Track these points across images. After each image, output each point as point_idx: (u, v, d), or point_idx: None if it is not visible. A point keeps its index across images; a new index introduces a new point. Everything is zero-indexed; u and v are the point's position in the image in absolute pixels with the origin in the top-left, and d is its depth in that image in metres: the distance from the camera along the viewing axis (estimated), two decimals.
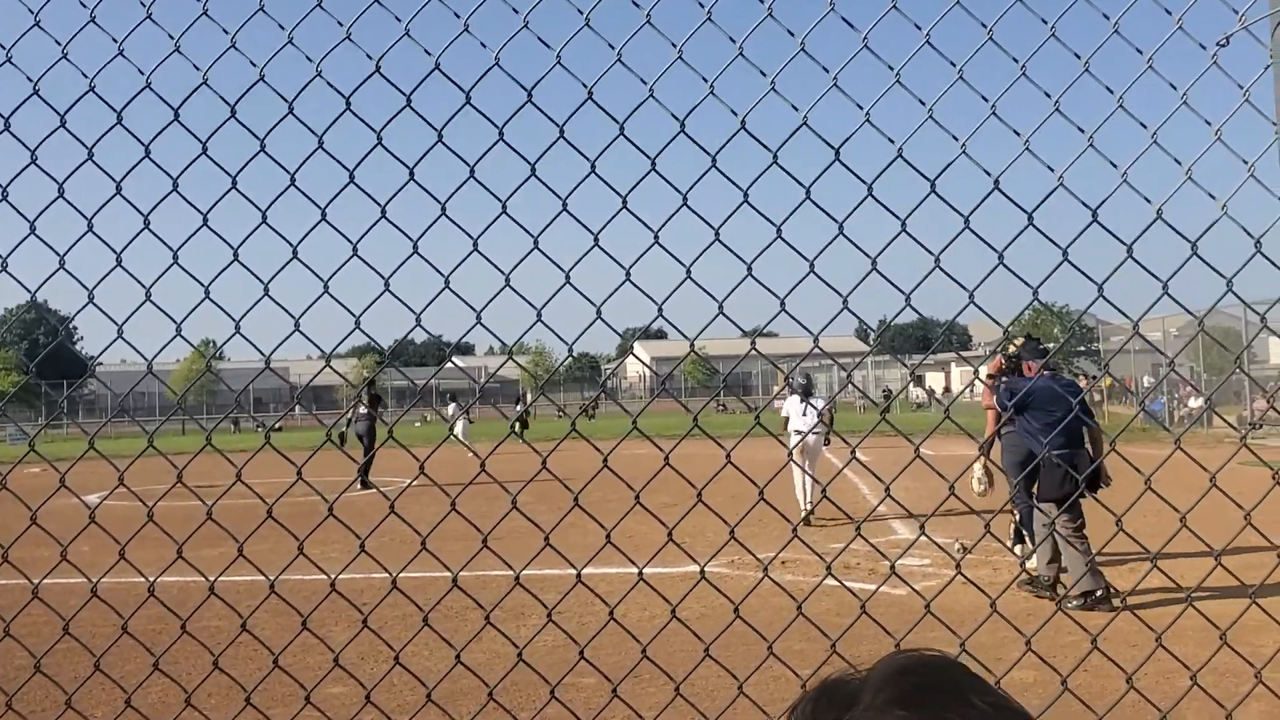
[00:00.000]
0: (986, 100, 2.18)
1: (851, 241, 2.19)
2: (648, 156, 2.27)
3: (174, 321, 2.30)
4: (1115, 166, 2.14)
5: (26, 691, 5.02)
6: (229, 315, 2.25)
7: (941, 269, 2.16)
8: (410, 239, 2.26)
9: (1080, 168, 2.21)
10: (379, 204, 2.25)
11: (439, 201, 2.26)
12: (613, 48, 2.25)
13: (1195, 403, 33.15)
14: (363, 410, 18.95)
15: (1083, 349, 42.75)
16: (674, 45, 2.23)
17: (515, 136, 2.31)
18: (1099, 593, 8.35)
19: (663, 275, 2.48)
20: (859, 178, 2.20)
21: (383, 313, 2.48)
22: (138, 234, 2.33)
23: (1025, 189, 2.25)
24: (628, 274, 2.29)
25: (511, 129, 2.31)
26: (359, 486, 16.80)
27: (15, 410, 60.50)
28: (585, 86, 2.25)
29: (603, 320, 2.32)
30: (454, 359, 2.64)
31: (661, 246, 2.26)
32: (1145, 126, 2.15)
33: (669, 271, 2.47)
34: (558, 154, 2.40)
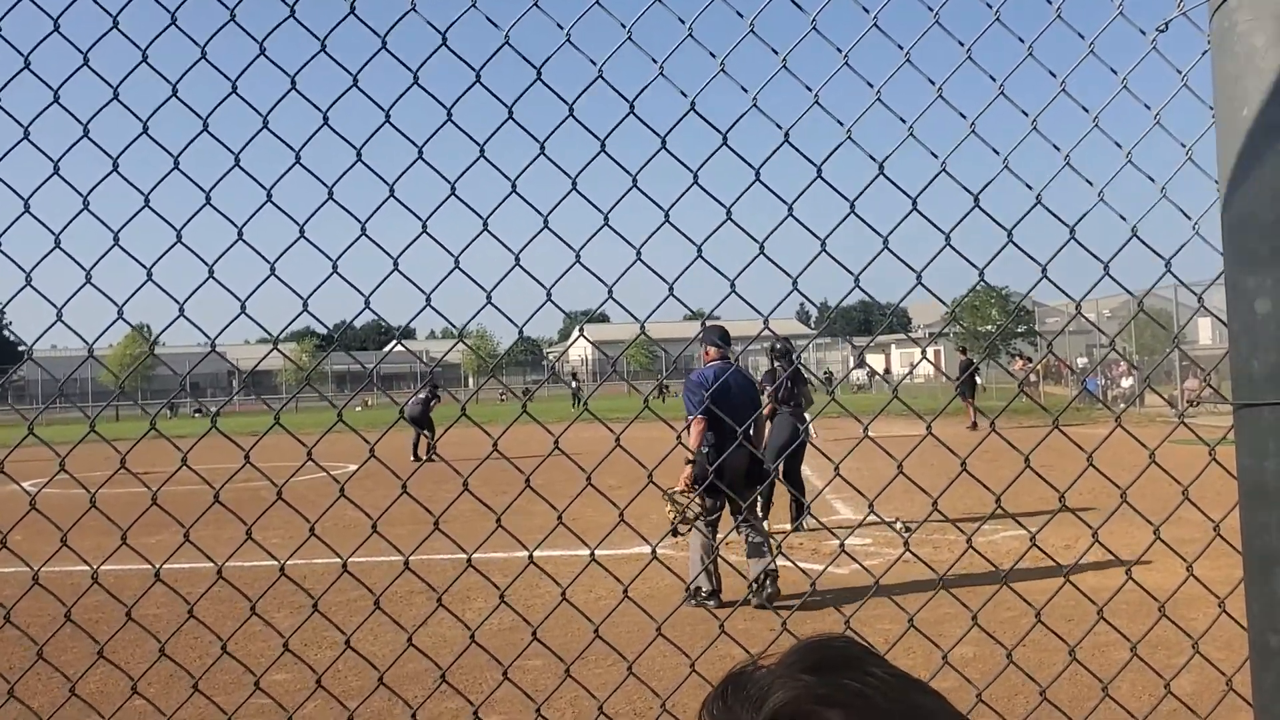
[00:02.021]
0: (934, 84, 2.21)
1: (801, 223, 2.21)
2: (597, 138, 2.27)
3: (115, 305, 2.25)
4: (1058, 149, 2.18)
5: None
6: (173, 298, 2.21)
7: (890, 250, 2.18)
8: (359, 220, 2.23)
9: (1024, 150, 2.25)
10: (326, 185, 2.22)
11: (387, 183, 2.24)
12: (561, 28, 2.24)
13: (1127, 382, 33.87)
14: (421, 396, 22.24)
15: (1021, 330, 43.45)
16: (623, 26, 2.22)
17: (464, 117, 2.29)
18: (704, 591, 8.26)
19: (608, 258, 2.48)
20: (809, 160, 2.21)
21: (324, 295, 2.45)
22: (76, 215, 2.28)
23: (970, 171, 2.28)
24: (578, 256, 2.28)
25: (460, 110, 2.29)
26: (431, 458, 19.56)
27: None
28: (534, 67, 2.24)
29: (553, 303, 2.32)
30: (400, 343, 2.61)
31: (611, 228, 2.25)
32: (1087, 110, 2.19)
33: (614, 255, 2.47)
34: (507, 135, 2.39)
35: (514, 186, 2.28)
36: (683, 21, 2.20)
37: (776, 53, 2.19)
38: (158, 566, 2.31)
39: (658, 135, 2.27)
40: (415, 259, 2.42)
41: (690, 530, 8.19)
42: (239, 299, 2.23)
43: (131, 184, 2.27)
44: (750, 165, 2.23)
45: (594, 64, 2.25)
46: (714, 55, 2.19)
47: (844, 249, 2.31)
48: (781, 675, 0.98)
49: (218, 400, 61.04)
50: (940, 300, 2.45)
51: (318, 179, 2.24)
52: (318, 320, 2.43)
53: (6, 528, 2.46)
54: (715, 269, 2.22)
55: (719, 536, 8.38)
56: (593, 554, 2.32)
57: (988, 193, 2.25)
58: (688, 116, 2.27)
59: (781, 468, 11.46)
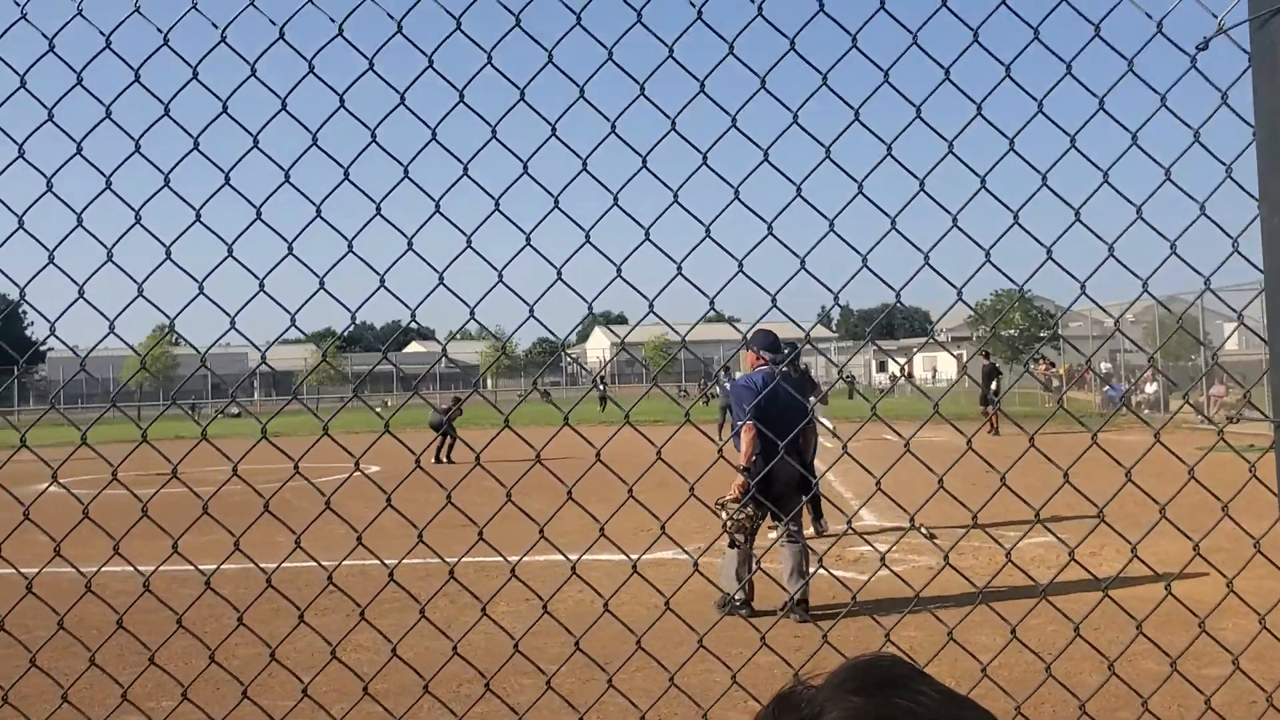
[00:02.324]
0: (974, 101, 2.23)
1: (843, 239, 2.23)
2: (639, 154, 2.29)
3: (167, 316, 2.29)
4: (1099, 168, 2.19)
5: (23, 685, 4.91)
6: (224, 312, 2.25)
7: (932, 267, 2.20)
8: (404, 235, 2.27)
9: (1064, 168, 2.26)
10: (373, 201, 2.25)
11: (433, 200, 2.28)
12: (604, 46, 2.27)
13: (1151, 388, 33.66)
14: (443, 406, 24.06)
15: (1043, 335, 43.26)
16: (666, 45, 2.25)
17: (508, 134, 2.33)
18: (738, 600, 7.93)
19: (635, 262, 2.49)
20: (850, 176, 2.23)
21: (346, 295, 2.49)
22: (129, 229, 2.33)
23: (1010, 187, 2.30)
24: (619, 271, 2.31)
25: (504, 127, 2.33)
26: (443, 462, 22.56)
27: None
28: (578, 86, 2.27)
29: (593, 315, 2.35)
30: (416, 344, 2.63)
31: (653, 244, 2.28)
32: (1127, 129, 2.20)
33: (642, 259, 2.49)
34: (549, 152, 2.43)
35: (556, 203, 2.31)
36: (725, 39, 2.23)
37: (819, 71, 2.22)
38: (208, 574, 2.35)
39: (699, 151, 2.29)
40: (440, 261, 2.45)
41: (746, 540, 7.84)
42: (288, 311, 2.27)
43: (182, 198, 2.31)
44: (791, 181, 2.25)
45: (637, 82, 2.28)
46: (756, 74, 2.21)
47: (874, 255, 2.33)
48: (832, 696, 1.00)
49: (241, 401, 61.37)
50: (975, 312, 2.48)
51: (365, 195, 2.27)
52: (365, 330, 2.47)
53: (54, 531, 2.51)
54: (758, 285, 2.25)
55: (755, 547, 8.04)
56: (634, 566, 2.35)
57: (1027, 207, 2.27)
58: (729, 133, 2.30)
59: None
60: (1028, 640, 5.74)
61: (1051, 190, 2.22)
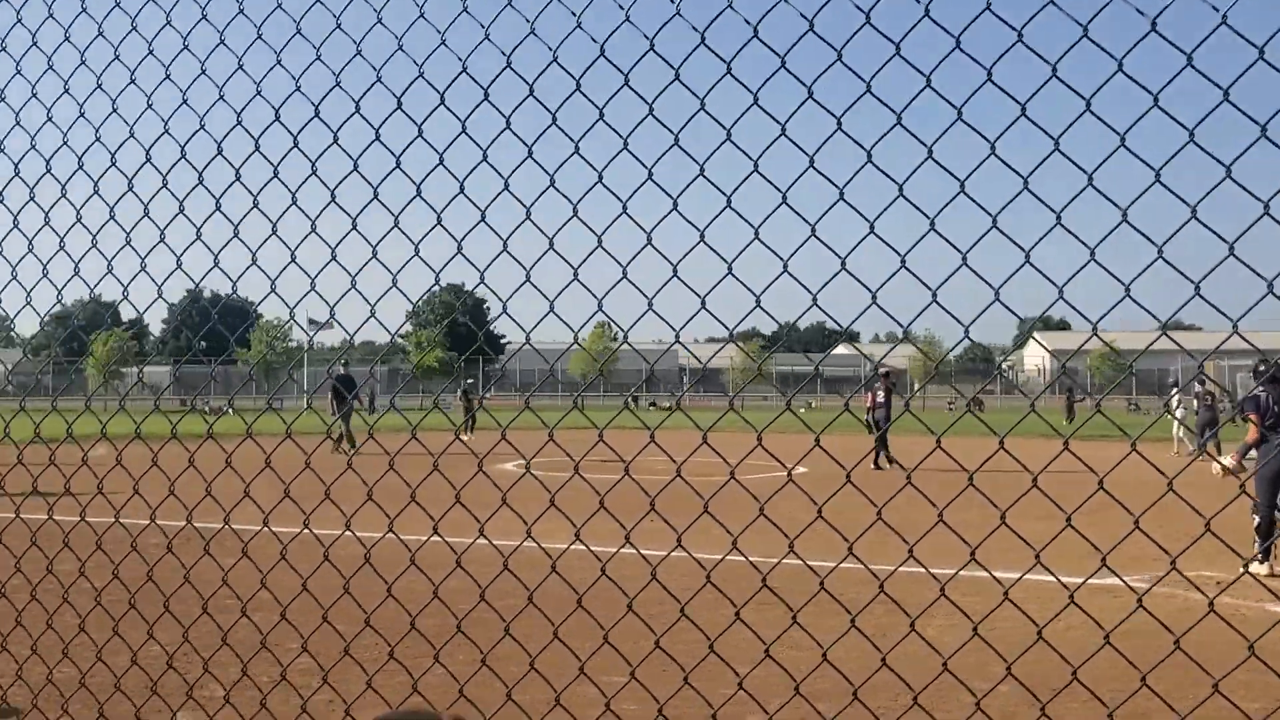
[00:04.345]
0: (1117, 133, 2.19)
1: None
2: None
3: (596, 298, 2.58)
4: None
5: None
6: (667, 317, 2.50)
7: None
8: (809, 223, 2.40)
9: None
10: (778, 188, 2.39)
11: (838, 188, 2.38)
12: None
13: None
14: (881, 398, 21.92)
15: None
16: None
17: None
18: None
19: (1062, 262, 2.44)
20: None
21: (770, 298, 2.65)
22: (566, 222, 2.64)
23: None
24: (1027, 256, 2.28)
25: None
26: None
27: (440, 382, 68.82)
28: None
29: (1000, 303, 2.33)
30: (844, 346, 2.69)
31: (1064, 227, 2.23)
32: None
33: (1068, 258, 2.43)
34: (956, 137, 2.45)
35: (962, 186, 2.32)
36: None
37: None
38: (554, 561, 2.59)
39: (1116, 132, 2.22)
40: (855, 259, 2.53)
41: None
42: (698, 294, 2.46)
43: (592, 165, 2.59)
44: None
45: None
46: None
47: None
48: None
49: (669, 394, 65.05)
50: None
51: (770, 183, 2.41)
52: (769, 317, 2.62)
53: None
54: (1178, 270, 2.12)
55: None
56: (1071, 597, 2.30)
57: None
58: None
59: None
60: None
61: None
